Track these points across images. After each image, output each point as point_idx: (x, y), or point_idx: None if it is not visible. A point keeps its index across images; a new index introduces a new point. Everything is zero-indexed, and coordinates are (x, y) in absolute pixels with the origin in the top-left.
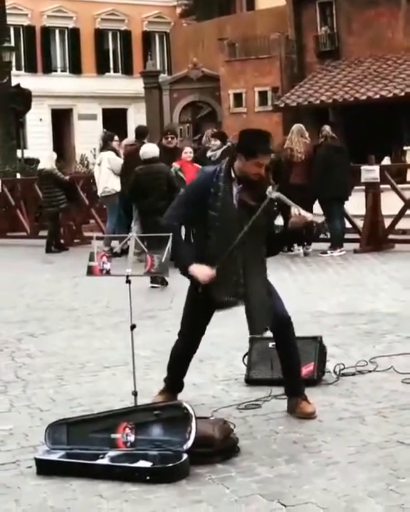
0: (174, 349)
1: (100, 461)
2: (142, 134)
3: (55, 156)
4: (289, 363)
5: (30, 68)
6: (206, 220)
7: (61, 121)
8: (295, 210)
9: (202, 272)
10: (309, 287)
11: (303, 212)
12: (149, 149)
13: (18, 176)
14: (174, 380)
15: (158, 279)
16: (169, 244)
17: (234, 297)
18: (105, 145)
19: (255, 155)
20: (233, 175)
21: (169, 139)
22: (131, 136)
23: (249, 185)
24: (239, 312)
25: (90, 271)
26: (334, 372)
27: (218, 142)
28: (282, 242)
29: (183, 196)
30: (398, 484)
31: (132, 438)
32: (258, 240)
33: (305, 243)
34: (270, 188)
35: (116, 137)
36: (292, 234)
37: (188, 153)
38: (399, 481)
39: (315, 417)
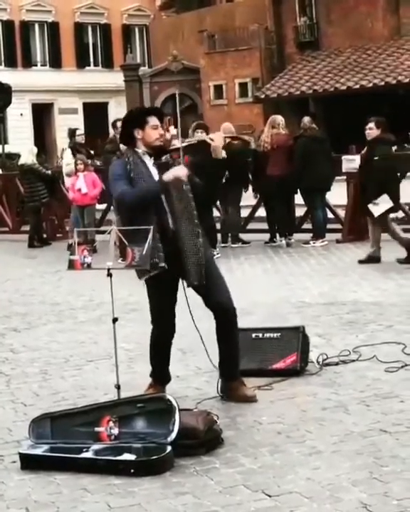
0: (152, 339)
1: (84, 455)
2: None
3: (35, 150)
4: (229, 347)
5: (10, 63)
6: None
7: (42, 115)
8: (208, 136)
9: (176, 172)
10: (292, 278)
11: (212, 134)
12: None
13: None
14: (160, 372)
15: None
16: (150, 236)
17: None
18: (70, 140)
19: (145, 120)
20: (140, 151)
21: None
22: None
23: (158, 153)
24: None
25: (71, 265)
26: (318, 362)
27: (204, 134)
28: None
29: (113, 182)
30: (382, 472)
31: (115, 431)
32: (187, 199)
33: (287, 234)
34: (175, 141)
35: (78, 131)
36: (218, 160)
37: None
38: (383, 470)
39: (256, 400)
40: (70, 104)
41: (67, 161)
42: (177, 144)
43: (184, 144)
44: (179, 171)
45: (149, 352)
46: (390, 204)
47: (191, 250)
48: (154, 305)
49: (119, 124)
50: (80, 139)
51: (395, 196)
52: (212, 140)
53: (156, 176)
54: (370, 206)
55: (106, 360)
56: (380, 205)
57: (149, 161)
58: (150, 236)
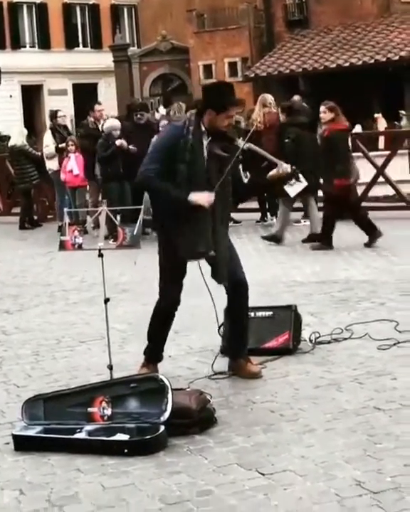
0: (156, 311)
1: (77, 436)
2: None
3: (25, 131)
4: (239, 326)
5: None
6: (176, 173)
7: (31, 97)
8: (282, 164)
9: (203, 197)
10: (283, 257)
11: (285, 165)
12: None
13: None
14: (155, 347)
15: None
16: (141, 217)
17: (207, 249)
18: (51, 122)
19: (226, 109)
20: (202, 128)
21: (139, 116)
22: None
23: (218, 137)
24: (214, 282)
25: (63, 246)
26: (310, 340)
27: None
28: (254, 190)
29: (154, 152)
30: (375, 450)
31: (108, 411)
32: (227, 193)
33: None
34: (239, 139)
35: (60, 113)
36: (269, 184)
37: None
38: (376, 447)
39: (262, 376)
40: (60, 85)
41: (46, 142)
42: (239, 142)
43: (245, 146)
44: (204, 199)
45: (149, 326)
46: (304, 183)
47: (222, 251)
48: (164, 273)
49: (96, 107)
50: (61, 120)
51: (312, 179)
52: (280, 171)
53: (206, 157)
54: (285, 187)
55: (98, 341)
56: (294, 186)
57: (206, 141)
58: (202, 223)
